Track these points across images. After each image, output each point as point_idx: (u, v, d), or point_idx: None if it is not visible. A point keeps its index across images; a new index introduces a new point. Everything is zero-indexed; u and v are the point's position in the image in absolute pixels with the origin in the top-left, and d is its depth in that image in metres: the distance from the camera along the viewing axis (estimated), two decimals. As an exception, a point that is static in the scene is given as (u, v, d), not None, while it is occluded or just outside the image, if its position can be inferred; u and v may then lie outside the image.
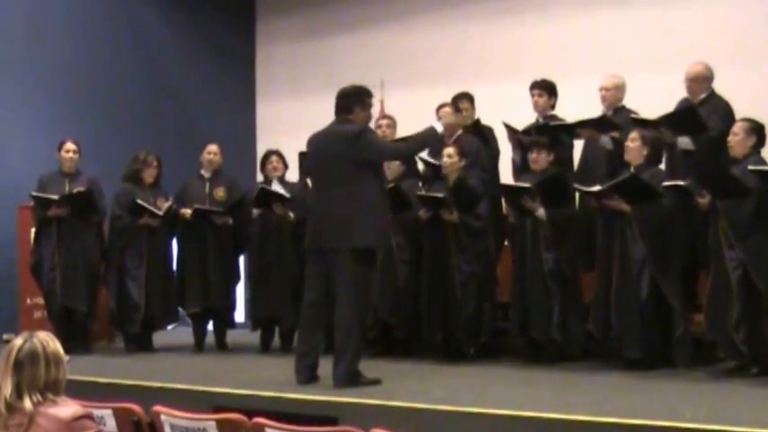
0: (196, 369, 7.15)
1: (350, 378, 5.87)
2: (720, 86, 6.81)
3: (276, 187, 7.83)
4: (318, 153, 6.07)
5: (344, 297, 5.88)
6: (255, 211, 7.94)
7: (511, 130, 7.58)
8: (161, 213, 8.01)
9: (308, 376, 5.98)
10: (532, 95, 7.51)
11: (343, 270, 5.86)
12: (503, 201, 7.58)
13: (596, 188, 6.53)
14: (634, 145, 6.49)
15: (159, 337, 8.42)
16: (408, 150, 6.59)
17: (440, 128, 6.23)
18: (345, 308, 5.89)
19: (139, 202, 7.94)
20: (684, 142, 6.57)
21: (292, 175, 8.17)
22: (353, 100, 6.03)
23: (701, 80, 6.77)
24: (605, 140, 6.94)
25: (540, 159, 7.00)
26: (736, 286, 5.90)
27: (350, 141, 5.87)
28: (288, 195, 7.66)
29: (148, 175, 8.14)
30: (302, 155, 7.65)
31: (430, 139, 6.33)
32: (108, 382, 6.36)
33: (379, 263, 7.33)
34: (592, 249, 6.84)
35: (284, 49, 11.27)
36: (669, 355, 6.35)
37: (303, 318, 6.15)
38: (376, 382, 5.94)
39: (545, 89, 7.50)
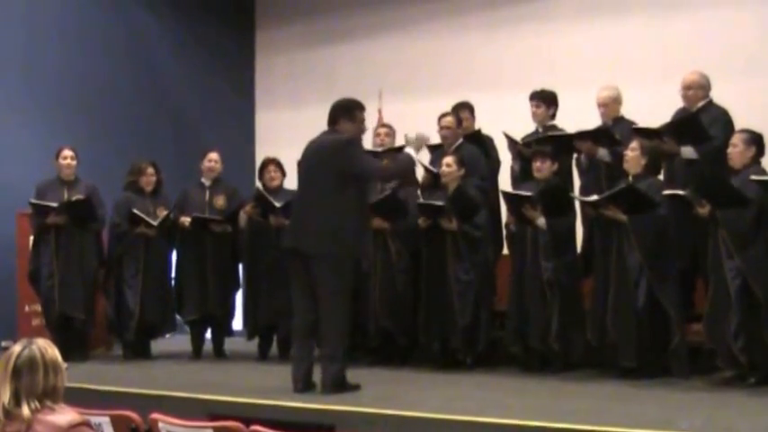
0: (194, 377, 7.15)
1: (338, 384, 5.93)
2: (720, 96, 6.83)
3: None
4: (307, 161, 6.16)
5: (330, 304, 5.95)
6: (243, 218, 7.96)
7: (511, 141, 7.59)
8: (155, 224, 8.02)
9: (304, 384, 6.00)
10: (532, 106, 7.53)
11: (326, 277, 5.92)
12: (502, 209, 7.60)
13: (593, 198, 6.55)
14: (633, 154, 6.50)
15: (157, 345, 8.43)
16: (387, 174, 6.61)
17: (414, 153, 6.24)
18: (332, 315, 5.95)
19: (135, 211, 7.96)
20: (688, 152, 6.57)
21: (291, 183, 8.17)
22: (340, 112, 6.13)
23: (698, 88, 6.78)
24: (603, 153, 6.95)
25: (543, 168, 6.98)
26: (736, 296, 5.91)
27: (335, 151, 5.98)
28: (278, 205, 7.65)
29: (146, 184, 8.16)
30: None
31: (407, 168, 6.41)
32: (106, 389, 6.36)
33: (378, 271, 7.39)
34: (589, 257, 6.86)
35: (283, 59, 11.28)
36: (666, 364, 6.36)
37: (297, 323, 6.16)
38: (357, 387, 6.03)
39: (544, 100, 7.51)
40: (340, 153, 5.97)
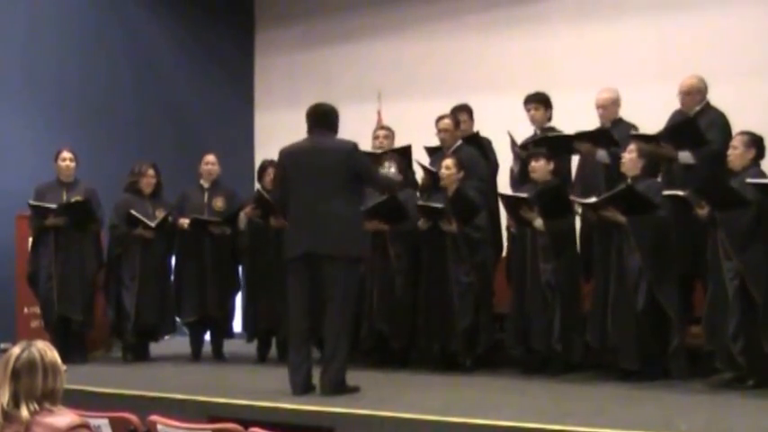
0: (193, 379, 7.14)
1: (338, 385, 5.93)
2: (717, 98, 6.83)
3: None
4: (309, 164, 6.07)
5: (338, 305, 5.95)
6: (243, 220, 7.96)
7: (513, 141, 7.59)
8: (153, 225, 8.01)
9: (304, 388, 5.98)
10: (528, 110, 7.50)
11: (339, 278, 5.94)
12: (501, 211, 7.60)
13: (592, 200, 6.55)
14: (630, 156, 6.51)
15: (156, 347, 8.43)
16: (382, 183, 6.65)
17: (398, 178, 6.88)
18: (339, 316, 5.96)
19: (133, 212, 7.96)
20: (685, 156, 6.57)
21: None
22: (335, 118, 6.19)
23: (695, 93, 6.80)
24: (602, 155, 6.95)
25: (539, 169, 6.98)
26: (734, 298, 5.91)
27: (346, 154, 6.01)
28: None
29: (146, 185, 8.16)
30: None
31: (394, 186, 6.77)
32: (104, 391, 6.35)
33: (377, 274, 7.38)
34: (589, 260, 6.86)
35: (282, 60, 11.29)
36: (665, 365, 6.36)
37: (296, 329, 6.13)
38: (356, 389, 6.02)
39: (540, 102, 7.49)
40: (353, 158, 6.03)
